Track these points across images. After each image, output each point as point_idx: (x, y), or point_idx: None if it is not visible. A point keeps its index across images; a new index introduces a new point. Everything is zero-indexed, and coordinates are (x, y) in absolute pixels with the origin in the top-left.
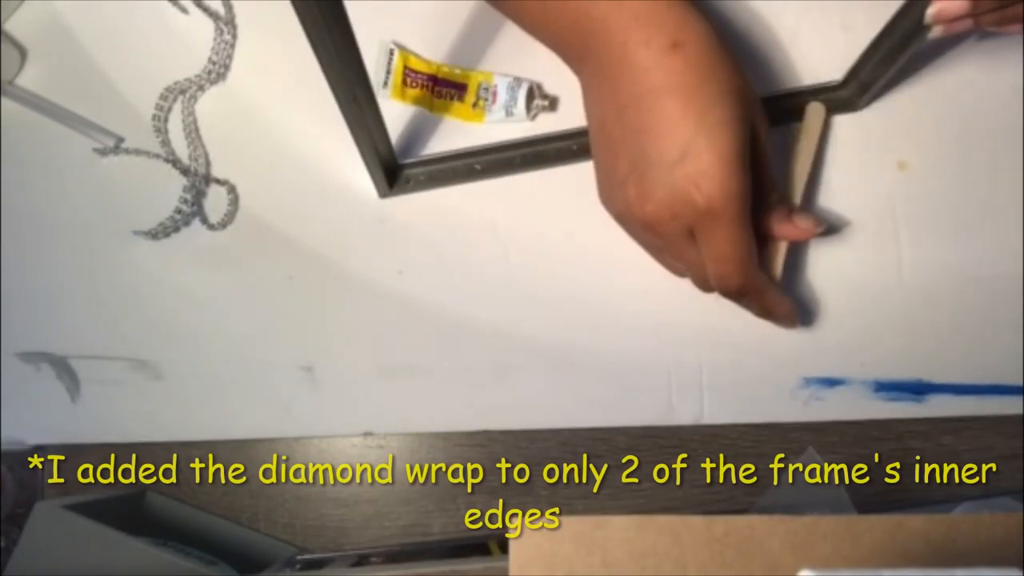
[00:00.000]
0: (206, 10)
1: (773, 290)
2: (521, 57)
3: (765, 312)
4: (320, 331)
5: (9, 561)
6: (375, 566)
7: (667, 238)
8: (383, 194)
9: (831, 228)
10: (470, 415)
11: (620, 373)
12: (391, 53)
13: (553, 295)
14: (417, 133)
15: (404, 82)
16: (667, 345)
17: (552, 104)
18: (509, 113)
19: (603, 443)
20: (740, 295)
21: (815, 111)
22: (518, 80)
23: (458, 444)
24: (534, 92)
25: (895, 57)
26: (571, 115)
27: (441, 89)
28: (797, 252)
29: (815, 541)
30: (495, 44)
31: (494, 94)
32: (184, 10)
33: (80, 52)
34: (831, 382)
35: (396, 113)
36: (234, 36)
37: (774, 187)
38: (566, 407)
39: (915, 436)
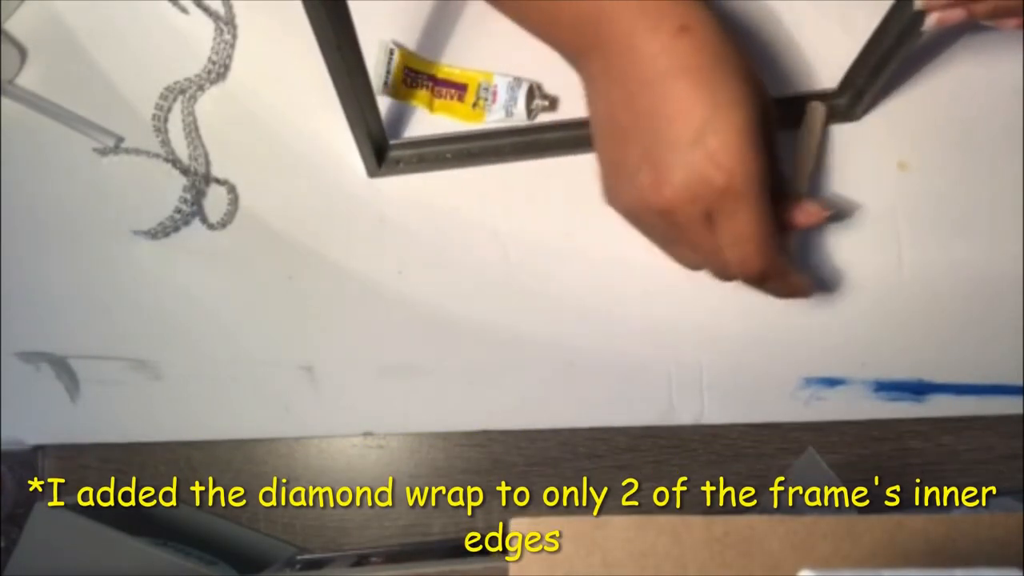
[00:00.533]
0: (206, 10)
1: (794, 270)
2: (521, 57)
3: (788, 293)
4: (320, 331)
5: (9, 561)
6: (375, 566)
7: (685, 225)
8: (372, 173)
9: (839, 213)
10: (470, 415)
11: (620, 373)
12: (391, 53)
13: (553, 295)
14: (417, 133)
15: (404, 82)
16: (667, 345)
17: (552, 104)
18: (509, 113)
19: (603, 443)
20: (763, 279)
21: (815, 110)
22: (518, 80)
23: (458, 444)
24: (534, 92)
25: (889, 60)
26: (571, 115)
27: (441, 89)
28: (811, 236)
29: (815, 541)
30: (495, 44)
31: (494, 94)
32: (184, 10)
33: (80, 52)
34: (831, 382)
35: (396, 113)
36: (234, 36)
37: (782, 179)
38: (566, 407)
39: (915, 436)
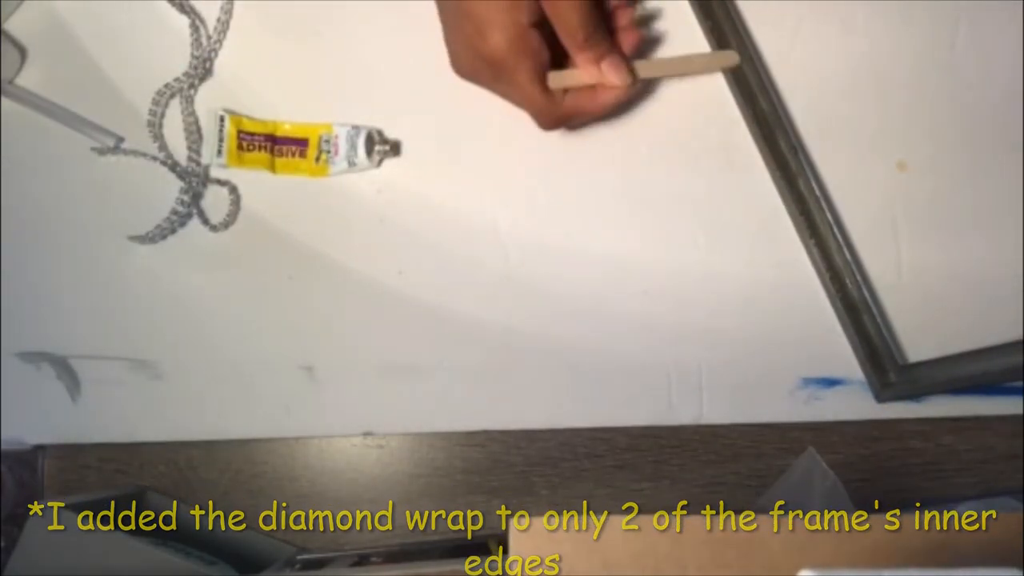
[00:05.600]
0: (191, 9)
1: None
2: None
3: (602, 71)
4: (320, 331)
5: (9, 561)
6: (375, 566)
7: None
8: None
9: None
10: (470, 415)
11: (620, 373)
12: (221, 120)
13: (553, 295)
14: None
15: (240, 147)
16: (667, 345)
17: (395, 148)
18: (352, 163)
19: (603, 443)
20: (588, 32)
21: (727, 57)
22: (356, 128)
23: (458, 444)
24: (374, 138)
25: None
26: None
27: (282, 147)
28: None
29: (815, 541)
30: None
31: (335, 145)
32: (183, 10)
33: (80, 52)
34: (830, 382)
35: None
36: (223, 35)
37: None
38: (566, 407)
39: (915, 436)
